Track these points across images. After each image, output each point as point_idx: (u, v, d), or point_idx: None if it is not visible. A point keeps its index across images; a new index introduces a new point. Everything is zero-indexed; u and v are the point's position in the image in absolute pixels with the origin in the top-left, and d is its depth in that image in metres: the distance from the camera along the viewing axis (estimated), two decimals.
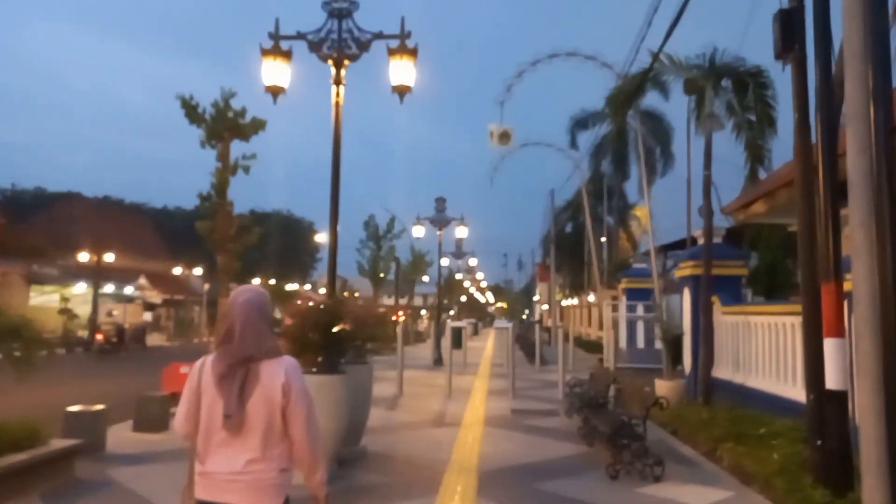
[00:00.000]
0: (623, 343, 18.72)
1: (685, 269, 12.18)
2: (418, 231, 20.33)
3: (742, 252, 12.05)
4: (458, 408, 10.72)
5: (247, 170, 9.99)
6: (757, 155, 12.67)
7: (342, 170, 6.93)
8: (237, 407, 2.35)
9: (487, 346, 33.19)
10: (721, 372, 10.95)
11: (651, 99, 32.12)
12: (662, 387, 10.83)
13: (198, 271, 51.03)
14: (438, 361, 19.70)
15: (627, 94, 12.09)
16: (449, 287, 46.20)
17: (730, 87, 12.57)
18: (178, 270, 52.12)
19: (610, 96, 12.26)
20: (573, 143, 32.92)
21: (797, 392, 8.17)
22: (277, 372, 2.42)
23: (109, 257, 32.51)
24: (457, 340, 31.27)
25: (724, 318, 11.13)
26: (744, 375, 10.12)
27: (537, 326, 20.05)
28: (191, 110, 9.99)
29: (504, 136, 12.19)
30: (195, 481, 2.46)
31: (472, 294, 76.19)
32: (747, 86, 12.28)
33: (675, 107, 31.75)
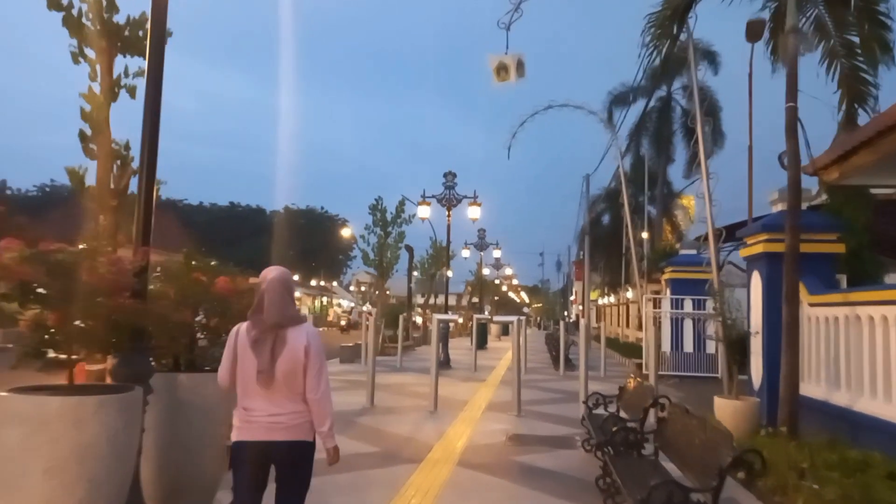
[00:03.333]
0: (666, 345, 15.42)
1: (755, 246, 8.93)
2: (423, 211, 17.35)
3: (836, 221, 8.74)
4: (435, 431, 7.73)
5: (132, 92, 7.13)
6: (857, 92, 9.34)
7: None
8: (269, 365, 2.87)
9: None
10: (809, 388, 7.69)
11: (704, 74, 28.63)
12: (725, 408, 7.64)
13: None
14: (445, 364, 16.71)
15: (677, 7, 8.92)
16: (479, 285, 43.10)
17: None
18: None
19: (653, 14, 9.12)
20: (609, 123, 29.60)
21: None
22: (300, 336, 2.94)
23: None
24: (481, 339, 28.26)
25: (814, 312, 7.87)
26: (850, 395, 6.86)
27: (563, 324, 16.89)
28: (66, 13, 7.15)
29: (505, 70, 9.12)
30: (236, 426, 2.95)
31: (505, 293, 73.02)
32: None
33: (724, 81, 28.05)
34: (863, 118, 9.51)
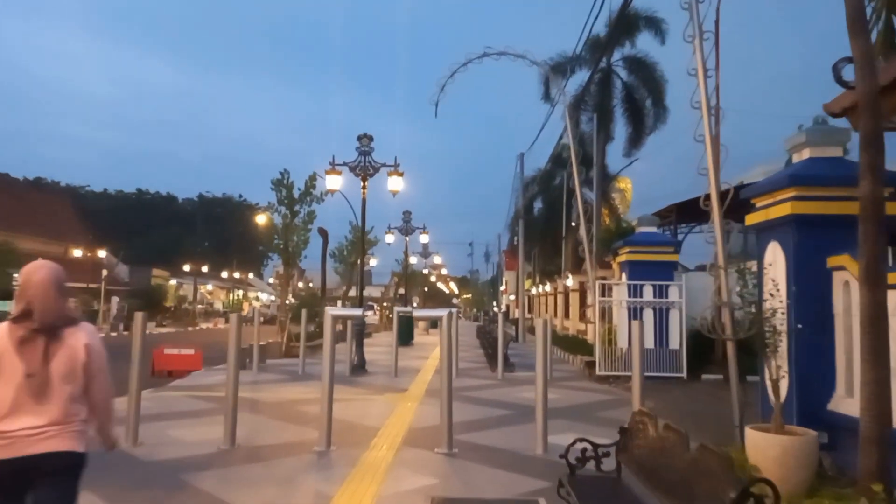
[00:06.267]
0: (623, 341, 12.98)
1: (776, 208, 6.40)
2: (334, 182, 14.18)
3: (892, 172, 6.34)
4: (314, 501, 4.76)
5: None
6: None
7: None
8: (41, 367, 2.55)
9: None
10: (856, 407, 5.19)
11: (643, 43, 26.58)
12: (767, 448, 5.00)
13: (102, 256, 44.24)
14: (360, 368, 13.70)
15: None
16: (405, 273, 40.12)
17: None
18: (102, 254, 45.15)
19: None
20: (547, 96, 27.26)
21: None
22: (80, 335, 2.67)
23: None
24: (406, 334, 25.23)
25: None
26: None
27: (501, 316, 14.28)
28: None
29: None
30: None
31: (434, 284, 70.52)
32: None
33: (670, 52, 26.10)
34: None
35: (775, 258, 6.56)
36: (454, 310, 14.95)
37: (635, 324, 6.49)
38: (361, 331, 14.14)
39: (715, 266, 6.64)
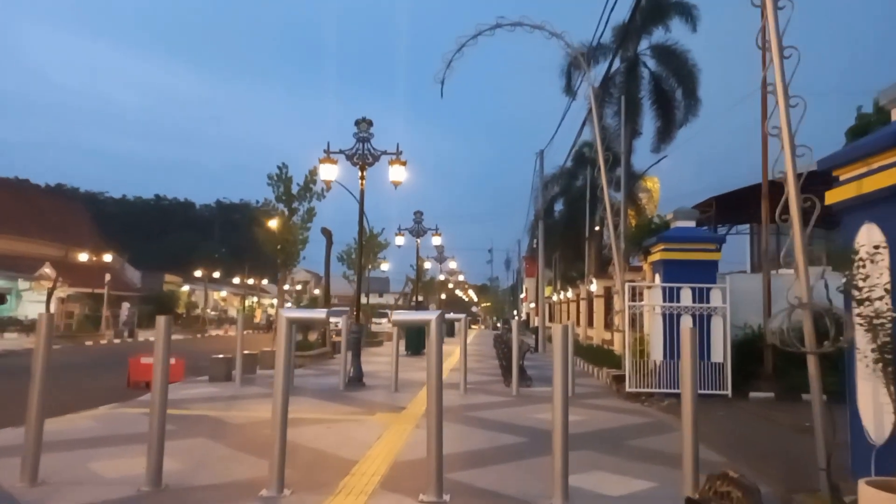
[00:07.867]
0: (657, 352, 11.30)
1: (876, 177, 4.77)
2: (328, 172, 12.74)
3: None
4: None
5: None
6: None
7: None
8: None
9: (458, 351, 25.63)
10: None
11: (673, 31, 24.87)
12: None
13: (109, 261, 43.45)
14: (356, 381, 12.21)
15: None
16: (417, 276, 38.62)
17: None
18: (108, 258, 44.36)
19: None
20: (568, 89, 25.69)
21: None
22: None
23: None
24: (417, 343, 23.63)
25: None
26: None
27: (515, 323, 12.72)
28: None
29: None
30: None
31: (452, 291, 69.06)
32: None
33: (702, 40, 24.36)
34: None
35: (871, 244, 4.94)
36: (462, 316, 13.40)
37: (685, 330, 4.91)
38: (358, 339, 12.67)
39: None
